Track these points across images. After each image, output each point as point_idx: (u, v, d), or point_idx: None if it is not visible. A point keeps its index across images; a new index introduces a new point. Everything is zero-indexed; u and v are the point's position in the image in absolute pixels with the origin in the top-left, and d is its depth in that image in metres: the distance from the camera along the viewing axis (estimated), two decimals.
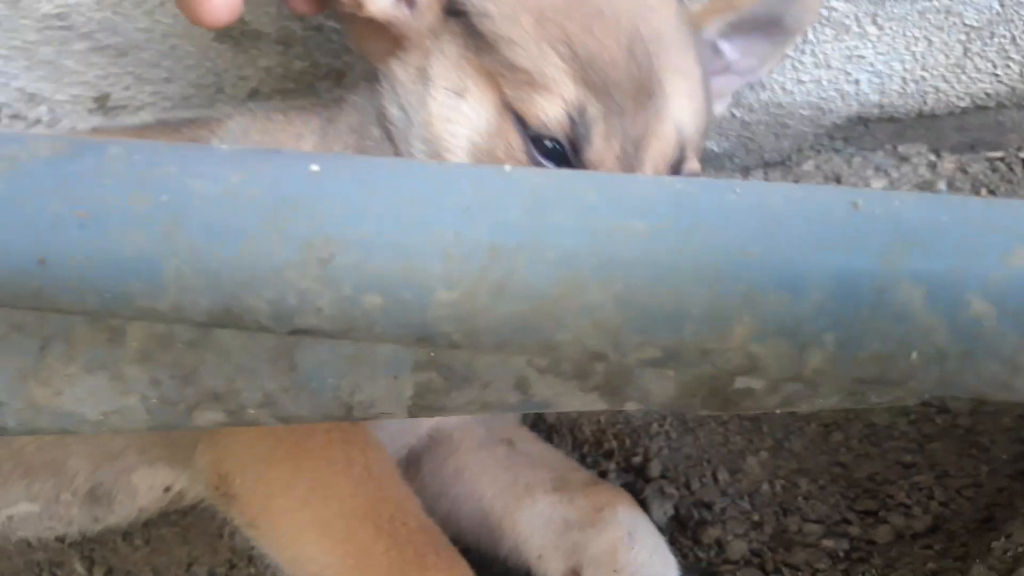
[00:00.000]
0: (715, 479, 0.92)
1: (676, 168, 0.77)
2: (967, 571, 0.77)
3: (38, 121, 1.10)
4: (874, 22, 0.99)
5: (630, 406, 0.65)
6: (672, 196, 0.47)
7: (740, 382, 0.60)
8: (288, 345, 0.58)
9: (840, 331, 0.44)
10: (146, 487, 0.90)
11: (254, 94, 1.10)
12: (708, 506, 0.90)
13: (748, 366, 0.46)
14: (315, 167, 0.46)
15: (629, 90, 0.72)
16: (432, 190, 0.46)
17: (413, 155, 0.81)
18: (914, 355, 0.45)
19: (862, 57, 1.02)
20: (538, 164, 0.74)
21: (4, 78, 1.06)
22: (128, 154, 0.47)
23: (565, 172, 0.50)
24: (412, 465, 0.94)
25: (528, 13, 0.73)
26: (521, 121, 0.74)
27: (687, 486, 0.92)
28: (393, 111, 0.83)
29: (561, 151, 0.73)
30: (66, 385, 0.58)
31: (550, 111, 0.72)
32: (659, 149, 0.74)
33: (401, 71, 0.81)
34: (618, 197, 0.47)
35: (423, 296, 0.44)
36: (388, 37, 0.80)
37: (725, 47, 0.90)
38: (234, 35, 1.05)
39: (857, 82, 1.04)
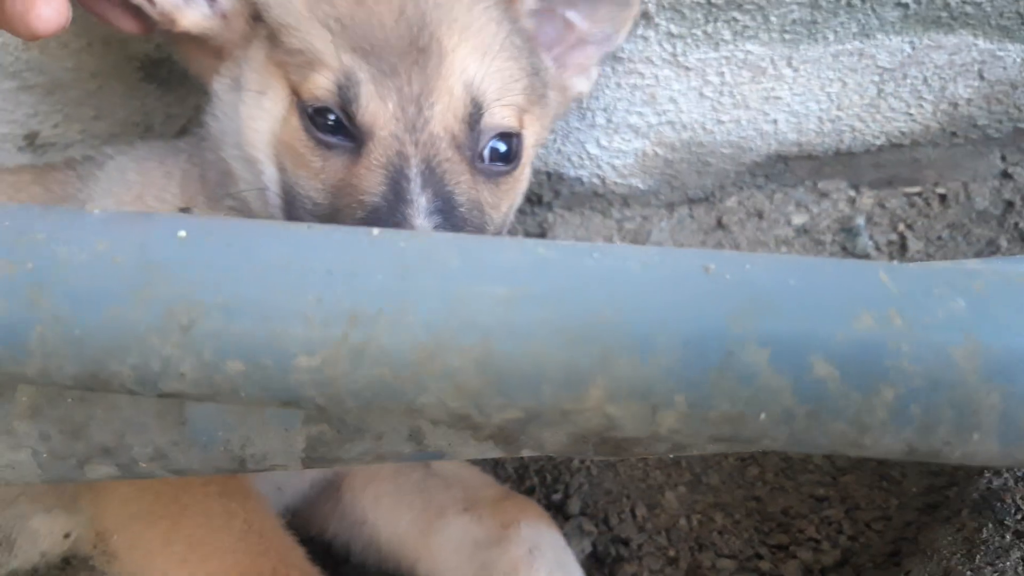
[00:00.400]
0: (633, 515, 0.93)
1: (473, 122, 0.76)
2: None
3: None
4: (789, 64, 1.02)
5: (526, 453, 0.67)
6: (533, 261, 0.48)
7: None
8: (176, 400, 0.58)
9: (690, 392, 0.46)
10: (46, 532, 0.89)
11: (184, 132, 1.11)
12: (625, 543, 0.91)
13: (606, 426, 0.48)
14: (182, 233, 0.47)
15: (401, 50, 0.73)
16: (296, 254, 0.47)
17: (232, 163, 0.83)
18: (763, 415, 0.46)
19: (779, 98, 1.05)
20: (317, 140, 0.75)
21: None
22: None
23: (431, 236, 0.51)
24: (331, 494, 0.95)
25: None
26: (302, 102, 0.75)
27: (606, 522, 0.93)
28: (215, 126, 0.85)
29: (338, 121, 0.75)
30: None
31: (320, 83, 0.74)
32: (446, 104, 0.74)
33: (220, 85, 0.83)
34: (480, 262, 0.48)
35: (283, 361, 0.45)
36: (209, 52, 0.82)
37: (573, 17, 0.90)
38: (161, 74, 1.06)
39: (775, 122, 1.07)
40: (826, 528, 0.90)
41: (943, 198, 1.14)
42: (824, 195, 1.14)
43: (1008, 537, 0.78)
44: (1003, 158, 1.15)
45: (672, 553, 0.91)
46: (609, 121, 1.05)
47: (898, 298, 0.47)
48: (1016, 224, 1.13)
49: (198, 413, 0.59)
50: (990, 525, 0.82)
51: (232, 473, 0.64)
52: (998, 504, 0.82)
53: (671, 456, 0.96)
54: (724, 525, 0.93)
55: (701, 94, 1.03)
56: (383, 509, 0.92)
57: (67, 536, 0.87)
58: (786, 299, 0.47)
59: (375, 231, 0.49)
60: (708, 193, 1.15)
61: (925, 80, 1.05)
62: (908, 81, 1.05)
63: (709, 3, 0.92)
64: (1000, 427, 0.47)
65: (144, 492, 0.74)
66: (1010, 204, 1.14)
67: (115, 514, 0.75)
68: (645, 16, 0.93)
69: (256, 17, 0.79)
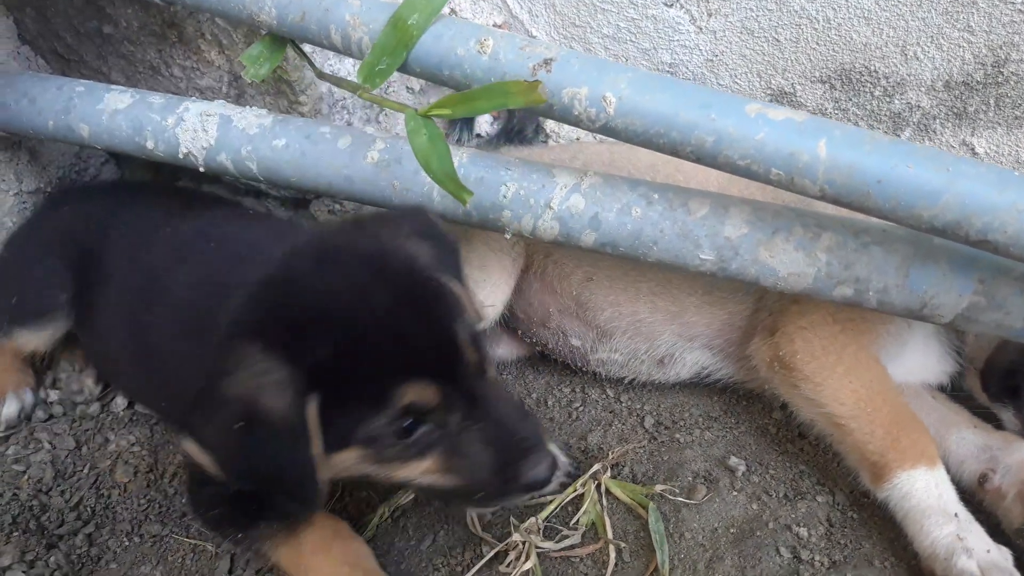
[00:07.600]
0: None
1: None
2: None
3: None
4: None
5: None
6: None
7: None
8: (907, 258, 1.07)
9: None
10: (691, 362, 1.46)
11: None
12: None
13: None
14: None
15: None
16: None
17: None
18: None
19: None
20: None
21: None
22: None
23: None
24: None
25: None
26: None
27: None
28: None
29: None
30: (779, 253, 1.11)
31: None
32: None
33: None
34: None
35: None
36: None
37: None
38: None
39: None
40: None
41: None
42: None
43: None
44: None
45: None
46: None
47: None
48: None
49: (917, 271, 1.08)
50: None
51: (910, 316, 1.11)
52: None
53: None
54: None
55: None
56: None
57: (703, 368, 1.45)
58: None
59: None
60: None
61: None
62: None
63: None
64: None
65: (824, 327, 1.25)
66: None
67: (800, 342, 1.26)
68: None
69: None
